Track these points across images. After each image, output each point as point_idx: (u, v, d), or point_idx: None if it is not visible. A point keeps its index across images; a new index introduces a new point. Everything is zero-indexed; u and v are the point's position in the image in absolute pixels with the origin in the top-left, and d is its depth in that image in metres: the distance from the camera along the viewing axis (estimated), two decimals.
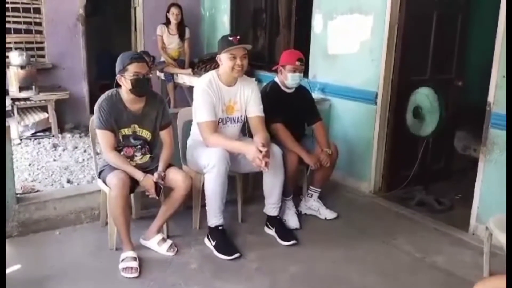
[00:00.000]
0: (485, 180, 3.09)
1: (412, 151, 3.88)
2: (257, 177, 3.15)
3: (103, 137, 2.65)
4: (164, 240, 2.80)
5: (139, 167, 2.71)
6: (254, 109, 3.01)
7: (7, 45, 5.30)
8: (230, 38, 2.85)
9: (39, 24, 5.50)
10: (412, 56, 3.77)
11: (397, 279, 2.64)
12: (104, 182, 2.68)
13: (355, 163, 4.01)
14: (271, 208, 3.08)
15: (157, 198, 2.66)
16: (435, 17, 3.86)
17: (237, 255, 2.76)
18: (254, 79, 4.75)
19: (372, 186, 3.93)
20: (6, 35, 5.27)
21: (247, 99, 3.01)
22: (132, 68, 2.59)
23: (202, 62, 5.57)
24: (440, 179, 4.09)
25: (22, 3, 5.36)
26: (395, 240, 3.09)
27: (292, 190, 3.27)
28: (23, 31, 5.42)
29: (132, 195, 2.85)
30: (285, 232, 3.05)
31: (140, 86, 2.62)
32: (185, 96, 5.68)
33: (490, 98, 2.98)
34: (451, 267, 2.76)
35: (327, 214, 3.40)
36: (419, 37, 3.82)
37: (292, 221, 3.21)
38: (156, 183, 2.61)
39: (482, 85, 3.23)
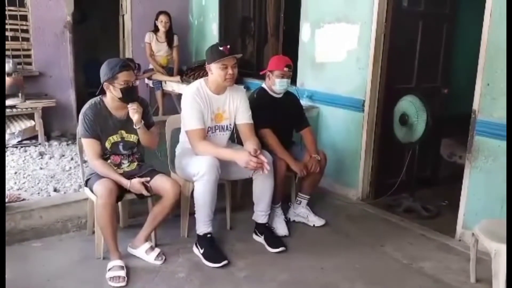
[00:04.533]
0: (471, 186, 3.13)
1: (399, 158, 3.92)
2: (246, 184, 3.15)
3: (89, 146, 2.65)
4: (152, 248, 2.78)
5: (126, 174, 2.70)
6: (243, 117, 3.02)
7: None
8: (221, 48, 2.84)
9: (26, 31, 5.45)
10: (399, 64, 3.82)
11: (385, 286, 2.65)
12: (91, 190, 2.66)
13: (343, 170, 4.03)
14: (260, 215, 3.08)
15: (150, 195, 2.66)
16: (421, 26, 3.92)
17: (225, 262, 2.75)
18: (242, 86, 4.76)
19: (360, 193, 3.96)
20: None
21: (236, 107, 3.01)
22: (122, 77, 2.59)
23: (191, 70, 5.58)
24: (426, 186, 4.14)
25: (9, 10, 5.32)
26: (383, 246, 3.11)
27: (281, 197, 3.27)
28: (9, 38, 5.38)
29: (119, 203, 2.84)
30: (273, 240, 3.05)
31: (129, 94, 2.63)
32: (174, 103, 5.67)
33: (475, 105, 3.03)
34: (438, 273, 2.77)
35: (315, 221, 3.40)
36: (405, 46, 3.87)
37: (280, 228, 3.21)
38: (143, 183, 2.60)
39: (467, 93, 3.28)
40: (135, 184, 2.59)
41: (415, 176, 3.83)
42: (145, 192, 2.60)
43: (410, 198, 3.80)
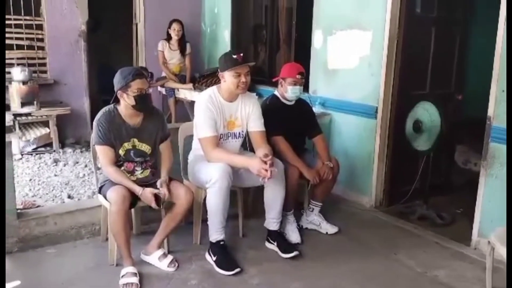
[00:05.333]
0: (486, 194, 3.08)
1: (413, 165, 3.88)
2: (258, 191, 3.15)
3: (103, 153, 2.67)
4: (165, 255, 2.79)
5: (139, 181, 2.71)
6: (255, 124, 3.02)
7: (9, 61, 5.35)
8: (234, 56, 2.85)
9: (41, 40, 5.55)
10: (412, 70, 3.80)
11: None
12: (105, 197, 2.68)
13: (356, 177, 4.01)
14: (272, 222, 3.07)
15: (158, 208, 2.65)
16: (434, 32, 3.90)
17: (237, 270, 2.74)
18: (254, 93, 4.77)
19: (373, 200, 3.92)
20: (8, 51, 5.33)
21: (248, 114, 3.02)
22: (136, 85, 2.61)
23: (203, 77, 5.61)
24: (441, 193, 4.09)
25: (25, 19, 5.43)
26: (397, 254, 3.08)
27: (293, 204, 3.26)
28: (25, 47, 5.48)
29: (132, 210, 2.85)
30: (286, 246, 3.04)
31: (143, 102, 2.66)
32: (186, 111, 5.70)
33: (490, 112, 3.00)
34: (453, 282, 2.73)
35: (328, 228, 3.38)
36: (418, 52, 3.85)
37: (293, 235, 3.20)
38: (155, 195, 2.60)
39: (482, 99, 3.25)
40: (146, 194, 2.59)
41: (429, 183, 3.79)
42: (153, 205, 2.59)
43: (424, 205, 3.76)
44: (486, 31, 3.50)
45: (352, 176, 3.99)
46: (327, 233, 3.36)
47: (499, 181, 2.99)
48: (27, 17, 5.44)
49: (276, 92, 3.36)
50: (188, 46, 5.77)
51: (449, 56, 4.09)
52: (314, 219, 3.42)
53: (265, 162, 2.69)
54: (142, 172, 2.78)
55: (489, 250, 2.52)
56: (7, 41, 5.32)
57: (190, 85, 5.53)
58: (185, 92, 5.54)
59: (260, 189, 3.05)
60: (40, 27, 5.52)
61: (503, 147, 2.94)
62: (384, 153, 3.86)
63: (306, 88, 4.00)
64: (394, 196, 3.94)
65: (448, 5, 3.98)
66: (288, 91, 3.24)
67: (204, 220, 2.95)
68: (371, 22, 3.79)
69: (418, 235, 3.41)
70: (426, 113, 3.58)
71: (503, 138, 2.92)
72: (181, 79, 5.73)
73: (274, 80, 3.43)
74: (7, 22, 5.30)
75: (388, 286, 2.69)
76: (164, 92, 5.80)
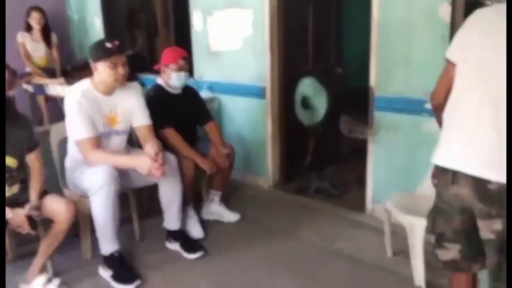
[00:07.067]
0: (376, 160, 3.20)
1: (305, 140, 3.94)
2: (153, 189, 2.89)
3: None
4: (49, 280, 2.38)
5: (7, 201, 2.28)
6: (140, 118, 2.75)
7: None
8: (108, 45, 2.52)
9: None
10: (294, 48, 3.80)
11: (308, 274, 2.60)
12: None
13: (252, 159, 3.96)
14: (171, 220, 2.86)
15: (33, 233, 2.27)
16: (312, 9, 3.95)
17: (138, 282, 2.49)
18: (136, 83, 4.42)
19: (271, 180, 3.91)
20: None
21: (131, 108, 2.73)
22: None
23: (76, 69, 5.07)
24: (332, 164, 4.23)
25: None
26: (300, 232, 3.08)
27: (192, 197, 3.08)
28: None
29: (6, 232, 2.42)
30: (190, 244, 2.87)
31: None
32: (60, 109, 5.13)
33: (372, 82, 3.09)
34: (356, 252, 2.79)
35: (230, 217, 3.28)
36: (299, 29, 3.87)
37: (195, 230, 3.03)
38: (29, 217, 2.22)
39: (361, 69, 3.35)
40: (17, 217, 2.20)
41: (321, 156, 3.88)
42: (26, 229, 2.21)
43: (318, 178, 3.83)
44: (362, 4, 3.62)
45: (248, 158, 3.93)
46: (229, 221, 3.26)
47: (386, 147, 3.12)
48: None
49: (159, 81, 3.11)
50: (53, 36, 5.16)
51: (327, 31, 4.18)
52: (215, 209, 3.29)
53: (156, 161, 2.46)
54: (8, 190, 2.32)
55: (386, 216, 2.61)
56: None
57: (61, 79, 4.95)
58: (56, 88, 4.95)
59: (154, 187, 2.80)
60: None
61: (387, 114, 3.05)
62: (277, 132, 3.85)
63: (191, 73, 3.80)
64: (290, 174, 3.97)
65: None
66: (172, 79, 3.01)
67: (94, 231, 2.62)
68: (250, 1, 3.68)
69: (317, 209, 3.47)
70: (311, 88, 3.63)
71: (386, 106, 3.04)
72: (50, 73, 5.12)
73: (156, 68, 3.17)
74: None
75: (296, 267, 2.67)
76: (31, 90, 5.14)
